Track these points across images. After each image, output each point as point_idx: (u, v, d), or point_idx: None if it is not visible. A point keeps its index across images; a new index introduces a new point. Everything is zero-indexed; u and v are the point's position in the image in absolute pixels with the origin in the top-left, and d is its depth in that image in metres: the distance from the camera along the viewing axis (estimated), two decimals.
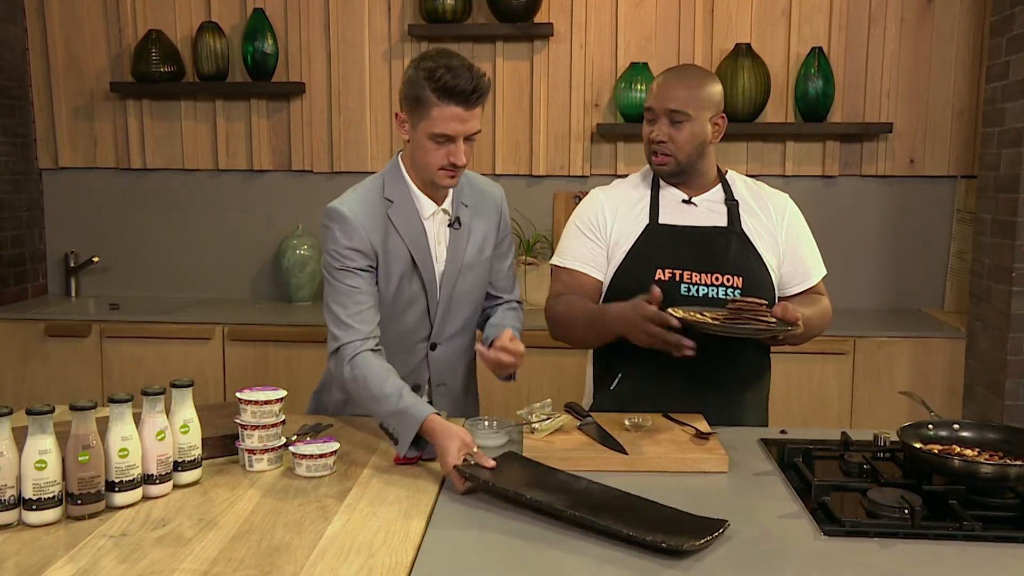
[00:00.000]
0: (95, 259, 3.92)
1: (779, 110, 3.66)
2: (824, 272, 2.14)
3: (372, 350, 1.88)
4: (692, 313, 1.82)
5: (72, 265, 3.93)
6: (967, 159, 3.64)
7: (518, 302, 2.21)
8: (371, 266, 1.94)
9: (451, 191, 2.01)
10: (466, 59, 1.88)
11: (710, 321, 1.79)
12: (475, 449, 1.66)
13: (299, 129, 3.81)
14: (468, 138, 1.88)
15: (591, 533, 1.40)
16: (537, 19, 3.65)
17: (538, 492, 1.50)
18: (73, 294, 3.95)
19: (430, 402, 2.01)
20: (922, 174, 3.67)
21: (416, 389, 1.97)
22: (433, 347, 2.05)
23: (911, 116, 3.64)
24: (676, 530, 1.38)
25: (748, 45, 3.53)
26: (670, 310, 1.84)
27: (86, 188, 3.95)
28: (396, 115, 1.96)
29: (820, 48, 3.53)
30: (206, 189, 3.91)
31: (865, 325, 3.39)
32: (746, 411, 2.10)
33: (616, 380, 2.11)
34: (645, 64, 3.59)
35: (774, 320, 1.78)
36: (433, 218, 2.00)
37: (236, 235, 3.91)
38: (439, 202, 2.00)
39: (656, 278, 2.01)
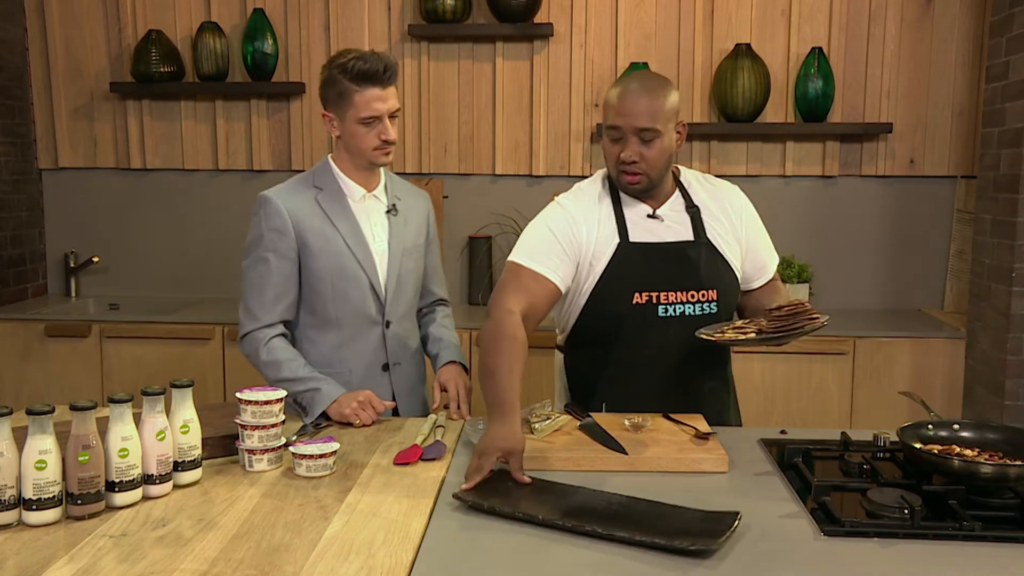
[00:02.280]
0: (95, 259, 3.92)
1: (779, 110, 3.66)
2: (777, 260, 2.14)
3: (282, 335, 2.12)
4: (724, 331, 1.81)
5: (72, 265, 3.93)
6: (967, 159, 3.64)
7: (447, 300, 2.44)
8: (289, 248, 2.09)
9: (384, 185, 2.21)
10: (370, 49, 2.09)
11: (755, 334, 1.77)
12: (380, 409, 2.02)
13: (299, 129, 3.81)
14: (391, 116, 2.08)
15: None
16: (537, 19, 3.65)
17: (542, 509, 1.47)
18: (73, 294, 3.95)
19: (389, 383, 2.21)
20: (922, 174, 3.67)
21: (385, 368, 2.19)
22: (388, 325, 2.19)
23: (911, 116, 3.64)
24: (693, 529, 1.38)
25: (748, 45, 3.53)
26: (699, 333, 1.83)
27: (86, 188, 3.95)
28: (323, 115, 2.13)
29: (820, 48, 3.53)
30: (206, 189, 3.91)
31: (865, 325, 3.39)
32: (722, 412, 2.09)
33: (602, 410, 2.04)
34: (645, 64, 3.59)
35: (818, 315, 1.77)
36: (363, 201, 2.17)
37: (236, 235, 3.89)
38: (369, 188, 2.17)
39: (634, 302, 1.97)
